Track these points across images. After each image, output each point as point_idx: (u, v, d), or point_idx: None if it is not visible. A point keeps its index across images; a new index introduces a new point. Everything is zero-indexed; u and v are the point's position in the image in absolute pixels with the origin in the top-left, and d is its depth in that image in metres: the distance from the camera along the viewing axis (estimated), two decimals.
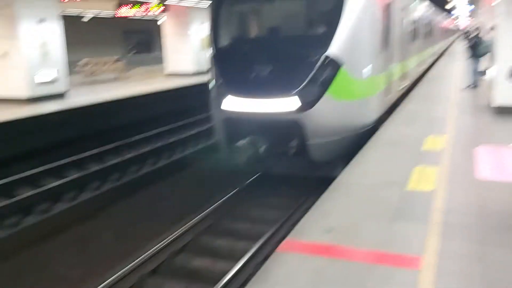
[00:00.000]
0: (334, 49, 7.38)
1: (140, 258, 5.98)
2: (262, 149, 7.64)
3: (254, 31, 9.22)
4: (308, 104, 7.25)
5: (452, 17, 52.82)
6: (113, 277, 5.58)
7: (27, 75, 14.04)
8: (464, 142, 7.60)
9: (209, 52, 8.55)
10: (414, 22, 14.42)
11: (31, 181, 9.87)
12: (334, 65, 7.38)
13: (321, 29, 8.13)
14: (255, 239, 6.62)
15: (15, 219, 8.25)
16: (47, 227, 7.95)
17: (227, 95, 7.83)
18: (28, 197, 8.73)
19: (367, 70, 8.05)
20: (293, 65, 7.55)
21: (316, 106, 7.27)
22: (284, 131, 7.63)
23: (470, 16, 47.86)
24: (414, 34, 14.32)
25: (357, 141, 7.97)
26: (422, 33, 16.74)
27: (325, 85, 7.32)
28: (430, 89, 14.14)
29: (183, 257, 6.42)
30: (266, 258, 5.53)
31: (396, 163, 6.49)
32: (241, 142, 7.57)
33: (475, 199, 5.18)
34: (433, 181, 5.69)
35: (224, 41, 8.59)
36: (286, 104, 7.32)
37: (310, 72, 7.32)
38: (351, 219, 4.68)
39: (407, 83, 12.85)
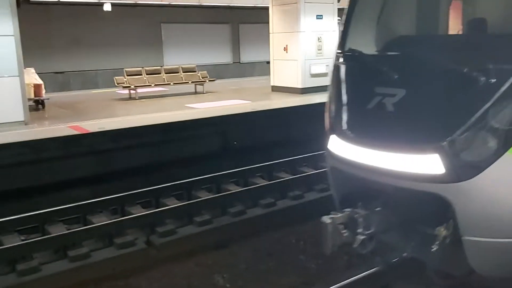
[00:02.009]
0: None
1: None
2: (367, 233, 4.53)
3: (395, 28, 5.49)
4: (465, 168, 3.83)
5: None
6: None
7: (302, 68, 15.19)
8: None
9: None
10: None
11: None
12: None
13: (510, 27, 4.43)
14: None
15: None
16: None
17: (333, 133, 4.92)
18: None
19: None
20: (443, 90, 4.16)
21: (484, 174, 3.75)
22: (415, 211, 4.40)
23: None
24: None
25: None
26: None
27: (508, 135, 3.72)
28: None
29: None
30: None
31: None
32: (340, 213, 4.66)
33: None
34: None
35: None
36: (418, 165, 4.03)
37: (472, 109, 3.85)
38: None
39: None
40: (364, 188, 4.68)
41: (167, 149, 10.42)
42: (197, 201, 8.03)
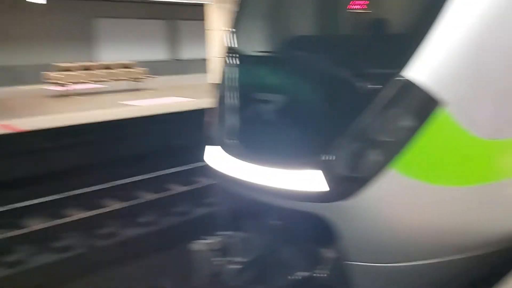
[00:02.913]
0: (422, 68, 3.27)
1: None
2: (242, 260, 3.97)
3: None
4: (348, 185, 3.37)
5: None
6: None
7: None
8: None
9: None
10: None
11: None
12: (419, 103, 3.29)
13: (392, 28, 3.90)
14: None
15: None
16: None
17: (213, 144, 4.37)
18: None
19: None
20: (323, 104, 3.73)
21: (366, 194, 3.31)
22: (297, 233, 3.91)
23: None
24: None
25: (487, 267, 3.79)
26: None
27: (393, 148, 3.28)
28: None
29: None
30: None
31: None
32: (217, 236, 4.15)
33: None
34: None
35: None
36: (300, 182, 3.55)
37: (356, 119, 3.37)
38: None
39: None
40: (245, 208, 4.14)
41: None
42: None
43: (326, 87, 3.74)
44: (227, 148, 4.15)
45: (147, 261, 6.36)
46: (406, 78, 3.28)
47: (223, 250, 4.09)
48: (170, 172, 9.73)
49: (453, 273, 3.66)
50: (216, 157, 4.26)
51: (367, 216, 3.40)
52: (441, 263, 3.50)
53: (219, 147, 4.24)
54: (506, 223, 3.66)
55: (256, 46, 4.61)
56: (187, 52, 25.42)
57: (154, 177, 9.43)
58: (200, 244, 4.10)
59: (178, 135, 11.07)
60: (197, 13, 18.59)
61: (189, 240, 4.21)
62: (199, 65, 23.76)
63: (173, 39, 25.30)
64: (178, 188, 8.96)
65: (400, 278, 3.57)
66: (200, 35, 19.70)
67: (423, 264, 3.48)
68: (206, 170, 4.49)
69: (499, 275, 3.60)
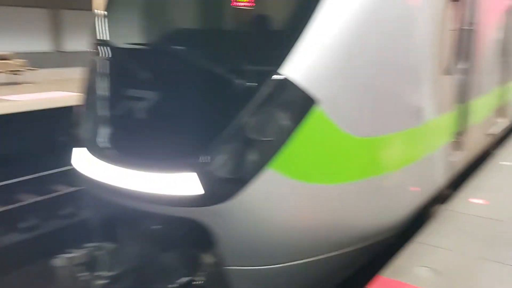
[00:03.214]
0: (298, 66, 3.21)
1: None
2: (110, 274, 3.69)
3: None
4: (224, 188, 3.23)
5: None
6: None
7: None
8: None
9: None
10: None
11: None
12: (295, 102, 3.23)
13: (269, 26, 3.78)
14: None
15: None
16: None
17: (79, 145, 3.94)
18: None
19: (398, 115, 3.81)
20: (198, 101, 3.49)
21: (243, 196, 3.20)
22: (174, 239, 3.69)
23: None
24: None
25: (362, 258, 3.99)
26: None
27: (269, 148, 3.19)
28: None
29: None
30: None
31: None
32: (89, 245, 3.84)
33: None
34: None
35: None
36: (174, 186, 3.33)
37: (232, 118, 3.24)
38: (462, 260, 3.79)
39: (502, 125, 7.43)
40: (116, 216, 3.83)
41: None
42: None
43: (203, 85, 3.54)
44: (95, 151, 3.78)
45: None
46: (282, 76, 3.23)
47: (90, 264, 3.77)
48: (54, 172, 9.06)
49: (332, 269, 3.73)
50: (83, 161, 3.86)
51: (245, 219, 3.29)
52: (320, 260, 3.56)
53: (86, 149, 3.85)
54: (380, 217, 3.87)
55: (129, 38, 4.20)
56: (72, 44, 23.92)
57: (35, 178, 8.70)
58: (63, 259, 3.74)
59: (59, 132, 10.32)
60: (83, 2, 17.54)
61: (53, 254, 3.78)
62: (85, 58, 22.41)
63: (56, 30, 23.63)
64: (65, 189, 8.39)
65: (280, 280, 3.55)
66: (87, 26, 18.71)
67: (302, 263, 3.50)
68: (74, 176, 4.03)
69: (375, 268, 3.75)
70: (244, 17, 4.10)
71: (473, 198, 5.13)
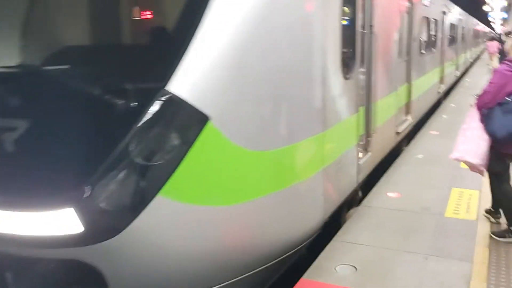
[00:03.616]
0: (185, 81, 2.91)
1: None
2: None
3: None
4: (107, 223, 2.83)
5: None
6: None
7: None
8: None
9: None
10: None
11: None
12: (184, 120, 2.97)
13: (154, 39, 3.52)
14: None
15: None
16: None
17: None
18: None
19: (299, 125, 3.68)
20: (74, 127, 3.00)
21: (132, 229, 2.81)
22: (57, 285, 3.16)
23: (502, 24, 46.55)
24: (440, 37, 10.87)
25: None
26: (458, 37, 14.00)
27: (159, 173, 2.86)
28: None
29: None
30: None
31: (432, 184, 5.70)
32: None
33: None
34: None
35: None
36: (47, 225, 2.86)
37: (115, 143, 2.82)
38: (379, 254, 3.93)
39: (409, 121, 7.83)
40: None
41: None
42: None
43: (80, 108, 3.02)
44: None
45: None
46: (168, 93, 2.86)
47: None
48: None
49: None
50: None
51: (135, 255, 2.91)
52: (227, 286, 3.30)
53: None
54: (292, 230, 3.68)
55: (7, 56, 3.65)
56: None
57: None
58: None
59: None
60: None
61: None
62: None
63: None
64: None
65: None
66: None
67: None
68: None
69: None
70: (126, 30, 3.81)
71: (388, 192, 5.37)
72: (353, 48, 4.74)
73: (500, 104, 3.86)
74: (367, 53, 5.16)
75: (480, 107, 4.01)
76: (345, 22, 4.50)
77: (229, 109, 3.07)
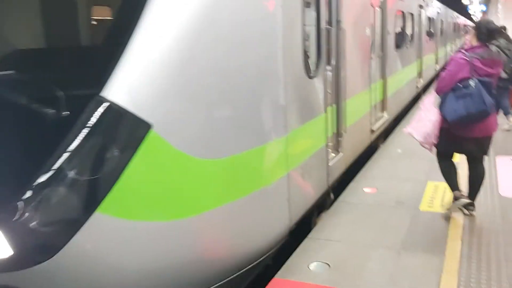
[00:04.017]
0: (123, 87, 2.68)
1: None
2: None
3: None
4: (39, 246, 2.59)
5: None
6: None
7: None
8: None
9: None
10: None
11: None
12: (122, 129, 2.75)
13: (90, 42, 3.49)
14: None
15: None
16: None
17: None
18: None
19: (257, 129, 3.50)
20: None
21: (66, 251, 2.58)
22: None
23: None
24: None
25: None
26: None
27: (96, 188, 2.64)
28: None
29: None
30: None
31: (408, 178, 5.72)
32: None
33: (500, 220, 4.42)
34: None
35: None
36: None
37: (46, 157, 2.56)
38: (353, 250, 3.92)
39: (385, 118, 7.73)
40: None
41: None
42: None
43: (7, 117, 2.76)
44: None
45: None
46: (105, 100, 2.61)
47: None
48: None
49: None
50: None
51: (72, 277, 2.68)
52: None
53: None
54: (255, 239, 3.50)
55: None
56: None
57: None
58: None
59: None
60: None
61: None
62: None
63: None
64: None
65: None
66: None
67: None
68: None
69: None
70: (57, 32, 3.49)
71: (364, 187, 5.37)
72: (318, 45, 4.58)
73: (453, 90, 4.12)
74: (335, 50, 5.00)
75: (437, 92, 4.34)
76: (307, 19, 4.32)
77: (174, 116, 2.84)
